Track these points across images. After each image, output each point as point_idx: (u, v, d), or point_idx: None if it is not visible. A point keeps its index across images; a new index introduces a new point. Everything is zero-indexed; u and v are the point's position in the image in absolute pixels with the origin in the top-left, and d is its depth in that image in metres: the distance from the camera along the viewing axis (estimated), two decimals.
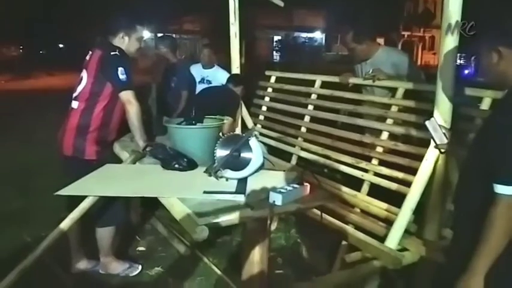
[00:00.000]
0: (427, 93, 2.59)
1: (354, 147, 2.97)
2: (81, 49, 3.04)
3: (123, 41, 2.74)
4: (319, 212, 2.17)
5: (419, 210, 2.35)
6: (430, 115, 2.25)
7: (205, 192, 1.93)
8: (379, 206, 2.69)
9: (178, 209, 1.84)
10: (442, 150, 2.15)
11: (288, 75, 3.95)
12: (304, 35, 33.48)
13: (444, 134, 2.08)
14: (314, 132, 3.38)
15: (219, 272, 2.93)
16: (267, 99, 3.96)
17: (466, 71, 16.28)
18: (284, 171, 2.26)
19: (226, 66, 4.19)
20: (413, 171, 2.40)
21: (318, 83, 3.48)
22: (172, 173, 2.28)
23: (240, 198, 1.88)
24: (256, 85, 4.14)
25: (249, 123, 3.82)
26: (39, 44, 27.29)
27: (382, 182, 2.71)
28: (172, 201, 1.91)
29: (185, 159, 2.32)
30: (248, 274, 2.01)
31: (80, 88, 2.68)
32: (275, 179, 2.12)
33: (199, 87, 4.39)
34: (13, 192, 4.23)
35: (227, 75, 4.02)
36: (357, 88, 3.27)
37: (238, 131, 3.76)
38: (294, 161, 3.42)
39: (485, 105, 2.33)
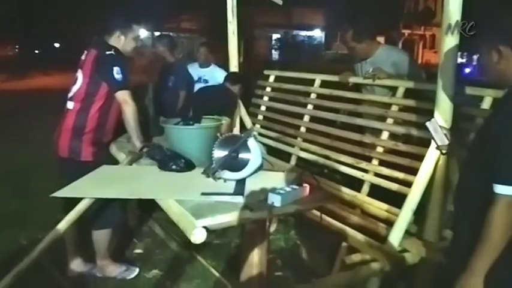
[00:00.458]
0: (428, 92, 2.57)
1: (354, 147, 2.95)
2: (78, 48, 3.00)
3: (119, 40, 2.71)
4: (318, 213, 2.15)
5: (420, 211, 2.32)
6: (430, 114, 2.23)
7: (203, 193, 1.91)
8: (379, 207, 2.68)
9: (175, 211, 1.82)
10: (443, 151, 2.13)
11: (287, 74, 3.93)
12: (303, 33, 33.51)
13: (445, 134, 2.07)
14: (313, 132, 3.35)
15: (217, 274, 2.91)
16: (265, 98, 3.93)
17: (467, 70, 16.32)
18: (283, 171, 2.24)
19: (224, 65, 4.16)
20: (413, 172, 2.38)
21: (317, 82, 3.46)
22: (169, 174, 2.26)
23: (239, 200, 1.85)
24: (254, 84, 4.11)
25: (248, 123, 3.79)
26: (35, 44, 27.25)
27: (382, 182, 2.69)
28: (170, 202, 1.88)
29: (182, 160, 2.30)
30: (247, 276, 1.99)
31: (75, 88, 2.65)
32: (274, 179, 2.09)
33: (196, 87, 4.37)
34: (9, 194, 4.20)
35: (224, 74, 3.99)
36: (357, 87, 3.25)
37: (236, 131, 3.74)
38: (293, 161, 3.40)
39: (486, 104, 2.32)
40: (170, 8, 21.54)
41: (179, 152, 2.37)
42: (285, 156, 3.41)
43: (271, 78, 3.96)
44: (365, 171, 2.82)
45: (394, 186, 2.59)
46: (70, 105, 2.66)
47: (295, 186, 1.93)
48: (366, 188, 2.81)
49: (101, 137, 2.69)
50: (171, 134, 2.54)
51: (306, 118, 3.45)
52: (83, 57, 2.71)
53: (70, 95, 2.67)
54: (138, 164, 2.52)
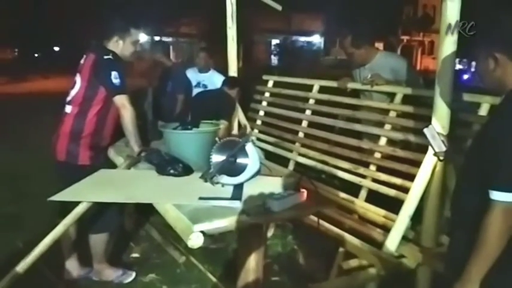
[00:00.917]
0: (426, 98, 2.58)
1: (352, 153, 2.96)
2: (77, 52, 3.01)
3: (118, 45, 2.71)
4: (316, 219, 2.15)
5: (417, 217, 2.33)
6: (428, 120, 2.24)
7: (200, 198, 1.91)
8: (376, 213, 2.68)
9: (173, 215, 1.82)
10: (441, 158, 2.13)
11: (286, 79, 3.94)
12: (302, 38, 33.57)
13: (443, 141, 2.07)
14: (312, 137, 3.36)
15: (214, 279, 2.90)
16: (264, 103, 3.94)
17: (465, 76, 16.38)
18: (281, 177, 2.24)
19: (224, 70, 4.17)
20: (411, 177, 2.38)
21: (316, 88, 3.47)
22: (167, 178, 2.26)
23: (236, 205, 1.85)
24: (253, 89, 4.12)
25: (246, 127, 3.80)
26: (35, 47, 27.24)
27: (380, 188, 2.69)
28: (167, 207, 1.89)
29: (180, 165, 2.30)
30: (244, 281, 1.99)
31: (73, 92, 2.65)
32: (272, 185, 2.09)
33: (195, 91, 4.38)
34: (7, 197, 4.19)
35: (223, 79, 4.00)
36: (355, 93, 3.26)
37: (234, 130, 3.74)
38: (291, 166, 3.40)
39: (483, 110, 2.32)
40: (170, 13, 21.58)
41: (177, 156, 2.37)
42: (283, 161, 3.41)
43: (270, 84, 3.97)
44: (363, 176, 2.82)
45: (391, 192, 2.60)
46: (68, 109, 2.66)
47: (292, 192, 1.93)
48: (363, 193, 2.81)
49: (98, 141, 2.69)
50: (170, 139, 2.55)
51: (304, 123, 3.46)
52: (81, 62, 2.71)
53: (68, 98, 2.68)
54: (136, 168, 2.52)
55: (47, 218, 2.62)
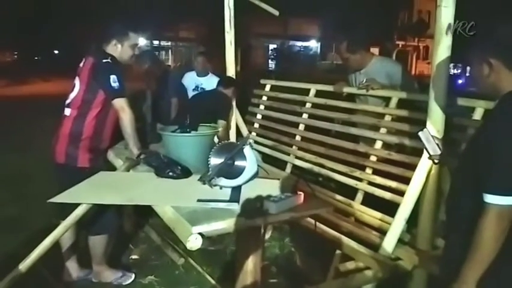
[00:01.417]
0: (421, 102, 2.61)
1: (348, 156, 2.98)
2: (77, 55, 3.03)
3: (116, 49, 2.73)
4: (313, 221, 2.17)
5: (413, 220, 2.35)
6: (423, 124, 2.27)
7: (199, 200, 1.93)
8: (372, 215, 2.70)
9: (171, 217, 1.84)
10: (436, 161, 2.16)
11: (283, 83, 3.97)
12: (299, 43, 33.70)
13: (437, 144, 2.09)
14: (308, 140, 3.39)
15: (212, 281, 2.91)
16: (261, 107, 3.98)
17: (460, 81, 16.44)
18: (278, 179, 2.26)
19: (222, 74, 4.20)
20: (406, 181, 2.41)
21: (312, 92, 3.51)
22: (166, 181, 2.28)
23: (234, 207, 1.87)
24: (251, 93, 4.15)
25: (244, 131, 3.82)
26: (35, 50, 27.22)
27: (375, 191, 2.72)
28: (166, 209, 1.90)
29: (179, 167, 2.32)
30: (242, 283, 2.00)
31: (72, 95, 2.67)
32: (269, 187, 2.12)
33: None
34: (6, 199, 4.19)
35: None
36: (351, 97, 3.29)
37: (232, 137, 3.77)
38: (288, 169, 3.43)
39: (477, 115, 2.36)
40: (169, 17, 21.60)
41: (176, 159, 2.39)
42: (281, 164, 3.44)
43: (267, 88, 4.00)
44: (359, 179, 2.85)
45: (387, 195, 2.63)
46: (67, 111, 2.68)
47: (290, 194, 1.95)
48: (359, 196, 2.84)
49: (97, 143, 2.71)
50: (168, 141, 2.57)
51: (301, 127, 3.49)
52: (80, 65, 2.73)
53: (67, 101, 2.69)
54: (135, 170, 2.54)
55: (47, 220, 2.63)
